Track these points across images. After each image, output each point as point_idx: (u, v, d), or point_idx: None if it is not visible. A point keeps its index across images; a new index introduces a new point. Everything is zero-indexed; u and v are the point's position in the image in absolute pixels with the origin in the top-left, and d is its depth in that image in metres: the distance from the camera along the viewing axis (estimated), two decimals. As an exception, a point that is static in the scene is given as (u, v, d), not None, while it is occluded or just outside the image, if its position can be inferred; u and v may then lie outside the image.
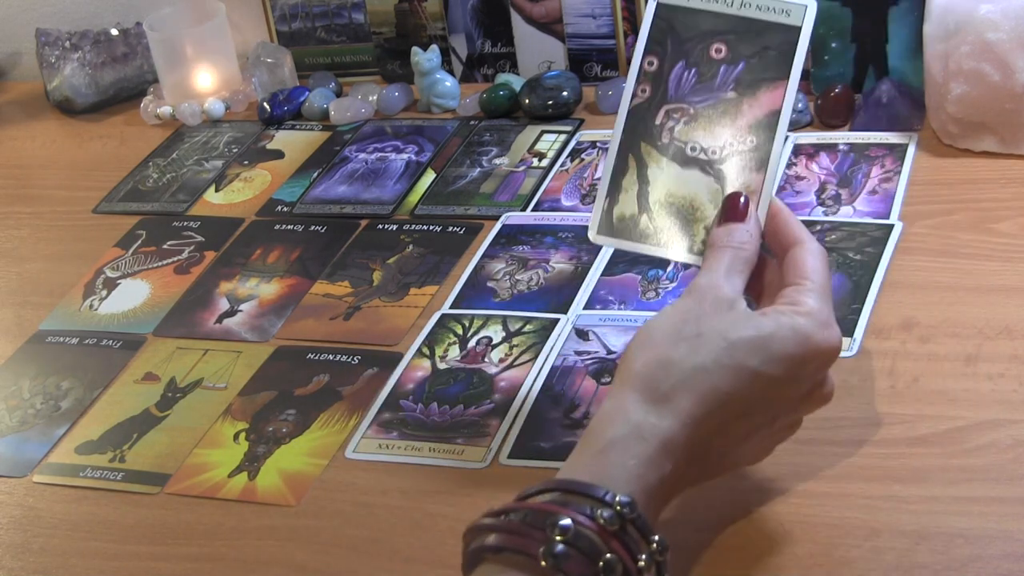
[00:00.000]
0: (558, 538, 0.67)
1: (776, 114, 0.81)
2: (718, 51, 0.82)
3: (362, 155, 1.29)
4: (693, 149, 0.82)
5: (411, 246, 1.15)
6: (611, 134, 0.84)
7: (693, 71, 0.82)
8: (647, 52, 0.83)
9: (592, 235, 0.84)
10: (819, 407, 0.79)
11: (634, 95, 0.83)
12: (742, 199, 0.81)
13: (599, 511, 0.68)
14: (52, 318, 1.14)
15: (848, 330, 0.94)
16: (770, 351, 0.74)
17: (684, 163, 0.82)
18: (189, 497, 0.92)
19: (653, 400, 0.73)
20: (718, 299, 0.76)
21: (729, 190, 0.81)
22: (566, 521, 0.67)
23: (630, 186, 0.83)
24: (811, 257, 0.79)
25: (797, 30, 0.81)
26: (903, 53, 1.19)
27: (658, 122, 0.83)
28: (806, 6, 0.82)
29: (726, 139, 0.82)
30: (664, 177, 0.83)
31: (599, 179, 1.17)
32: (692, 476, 0.76)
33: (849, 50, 1.21)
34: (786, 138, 0.82)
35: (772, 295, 0.79)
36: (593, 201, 1.15)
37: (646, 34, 0.84)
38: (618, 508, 0.68)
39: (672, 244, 0.82)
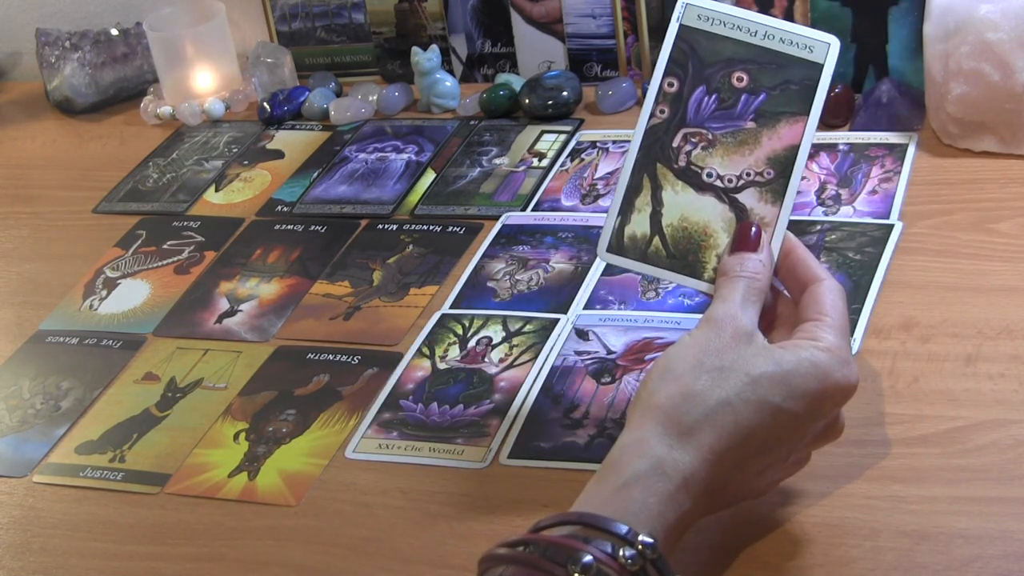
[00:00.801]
0: None
1: (795, 149, 0.81)
2: (739, 79, 0.82)
3: (362, 155, 1.29)
4: (709, 175, 0.82)
5: (411, 246, 1.15)
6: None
7: (714, 97, 0.82)
8: (667, 73, 0.83)
9: (601, 252, 0.84)
10: (830, 443, 0.80)
11: (652, 115, 0.83)
12: (753, 228, 0.80)
13: (620, 550, 0.68)
14: (52, 318, 1.14)
15: (848, 330, 0.94)
16: (791, 386, 0.74)
17: (699, 189, 0.82)
18: (189, 497, 0.92)
19: (677, 434, 0.73)
20: (737, 331, 0.76)
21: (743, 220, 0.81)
22: (587, 558, 0.67)
23: (643, 206, 0.83)
24: (830, 294, 0.78)
25: (820, 67, 0.81)
26: (903, 53, 1.19)
27: (675, 145, 0.82)
28: (829, 44, 0.81)
29: (743, 168, 0.81)
30: (678, 201, 0.82)
31: (600, 182, 1.18)
32: (706, 509, 0.75)
33: (849, 50, 1.21)
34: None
35: (786, 329, 0.79)
36: (593, 202, 1.15)
37: (667, 55, 0.83)
38: (641, 548, 0.68)
39: (683, 270, 0.82)
